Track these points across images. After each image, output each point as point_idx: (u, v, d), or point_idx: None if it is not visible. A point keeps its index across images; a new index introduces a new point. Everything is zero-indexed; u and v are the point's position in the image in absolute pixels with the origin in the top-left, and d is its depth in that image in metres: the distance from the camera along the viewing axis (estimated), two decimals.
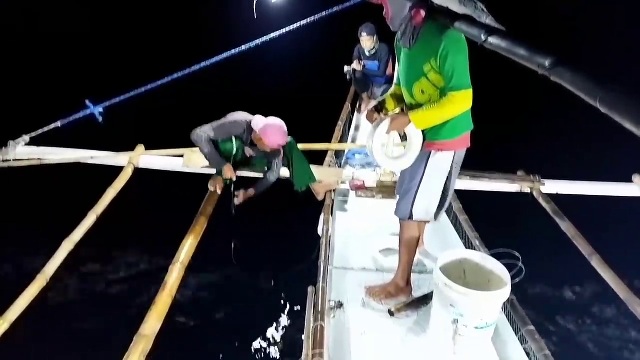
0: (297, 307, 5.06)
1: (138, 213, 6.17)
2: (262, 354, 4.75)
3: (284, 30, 4.08)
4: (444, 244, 3.63)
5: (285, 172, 4.30)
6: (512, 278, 2.46)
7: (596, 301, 5.35)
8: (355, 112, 6.84)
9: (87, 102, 4.18)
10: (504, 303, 2.69)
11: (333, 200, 4.21)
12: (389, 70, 6.35)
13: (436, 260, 2.55)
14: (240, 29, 6.49)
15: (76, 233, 3.43)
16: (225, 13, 15.06)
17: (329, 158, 4.97)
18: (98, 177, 4.32)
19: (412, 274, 3.00)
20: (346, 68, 6.63)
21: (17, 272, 5.57)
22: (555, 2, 16.26)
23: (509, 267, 2.53)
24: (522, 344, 2.66)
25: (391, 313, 2.81)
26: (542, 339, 2.53)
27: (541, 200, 4.25)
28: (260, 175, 4.32)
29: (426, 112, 2.47)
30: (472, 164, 4.34)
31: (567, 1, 15.99)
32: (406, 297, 2.94)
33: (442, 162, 2.68)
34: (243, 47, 4.13)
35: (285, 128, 3.84)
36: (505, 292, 2.32)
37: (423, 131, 2.60)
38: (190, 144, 4.52)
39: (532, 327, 2.63)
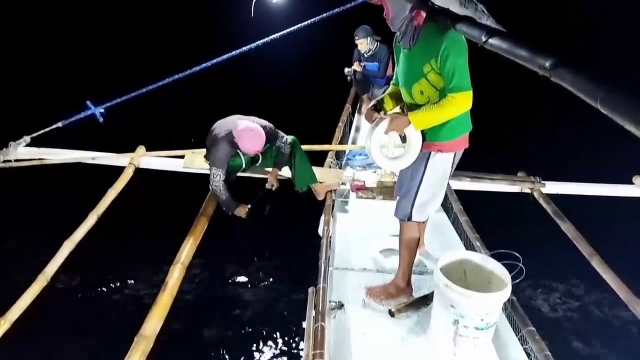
0: (298, 308, 5.06)
1: (139, 214, 6.18)
2: (263, 353, 4.75)
3: (284, 32, 4.09)
4: (444, 244, 3.63)
5: (286, 172, 4.30)
6: (513, 279, 2.46)
7: (596, 302, 5.35)
8: (356, 114, 6.84)
9: (88, 102, 4.19)
10: (505, 304, 2.69)
11: (334, 201, 4.22)
12: (389, 71, 6.35)
13: (436, 261, 2.54)
14: (242, 30, 6.50)
15: (77, 233, 3.44)
16: (227, 14, 15.06)
17: (329, 159, 4.97)
18: (99, 178, 4.33)
19: (412, 275, 3.00)
20: (346, 69, 6.64)
21: (18, 272, 5.57)
22: (555, 2, 16.27)
23: (510, 268, 2.53)
24: (522, 345, 2.65)
25: (391, 314, 2.81)
26: (542, 339, 2.53)
27: (541, 201, 4.25)
28: (261, 176, 4.34)
29: (426, 113, 2.47)
30: (472, 164, 4.36)
31: (567, 1, 16.01)
32: (406, 298, 2.94)
33: (442, 163, 2.69)
34: (244, 48, 4.14)
35: (261, 133, 3.70)
36: (505, 293, 2.32)
37: (422, 132, 2.60)
38: (190, 146, 4.54)
39: (532, 328, 2.63)
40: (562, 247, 3.88)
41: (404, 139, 2.67)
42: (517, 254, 2.74)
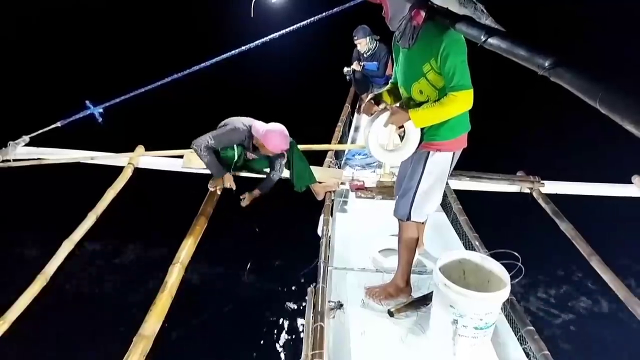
0: (297, 307, 5.06)
1: (138, 213, 6.17)
2: (262, 353, 4.75)
3: (283, 31, 4.09)
4: (443, 244, 3.63)
5: (285, 173, 4.31)
6: (512, 278, 2.46)
7: (595, 301, 5.35)
8: (355, 113, 6.84)
9: (87, 102, 4.19)
10: (504, 303, 2.70)
11: (333, 201, 4.22)
12: (388, 71, 6.35)
13: (436, 260, 2.55)
14: (240, 30, 6.50)
15: (76, 233, 3.44)
16: (226, 13, 15.06)
17: (328, 159, 4.97)
18: (98, 178, 4.32)
19: (411, 275, 3.00)
20: (345, 69, 6.64)
21: (17, 272, 5.56)
22: (556, 2, 16.28)
23: (509, 268, 2.53)
24: (521, 345, 2.66)
25: (391, 313, 2.81)
26: (541, 339, 2.53)
27: (541, 201, 4.26)
28: (260, 176, 4.34)
29: (427, 111, 2.47)
30: (472, 164, 4.37)
31: (567, 2, 16.02)
32: (406, 298, 2.94)
33: (441, 162, 2.69)
34: (243, 48, 4.14)
35: (286, 132, 3.85)
36: (504, 293, 2.33)
37: (421, 131, 2.61)
38: (189, 145, 4.53)
39: (531, 328, 2.63)
40: (561, 247, 3.88)
41: (402, 138, 2.67)
42: (516, 254, 2.74)
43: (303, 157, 4.22)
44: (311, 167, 4.29)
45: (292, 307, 5.13)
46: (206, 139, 3.82)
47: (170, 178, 4.86)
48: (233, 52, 4.15)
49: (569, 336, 4.98)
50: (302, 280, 3.25)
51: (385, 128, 2.62)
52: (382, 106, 2.75)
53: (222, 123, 3.99)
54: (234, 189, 4.06)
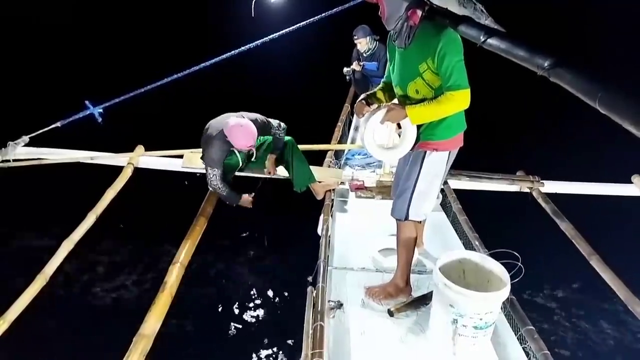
0: (297, 307, 5.07)
1: (138, 213, 6.18)
2: (262, 352, 4.75)
3: (283, 31, 4.09)
4: (443, 244, 3.63)
5: (284, 172, 4.31)
6: (512, 278, 2.46)
7: (595, 301, 5.35)
8: (355, 113, 6.84)
9: (87, 102, 4.19)
10: (503, 303, 2.70)
11: (333, 201, 4.22)
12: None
13: (435, 260, 2.55)
14: (240, 30, 6.50)
15: (76, 233, 3.43)
16: (226, 13, 15.06)
17: (328, 158, 4.97)
18: (98, 178, 4.32)
19: (411, 274, 3.00)
20: (345, 69, 6.64)
21: (17, 272, 5.56)
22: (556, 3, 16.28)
23: (508, 267, 2.53)
24: (521, 344, 2.66)
25: (390, 313, 2.81)
26: (540, 338, 2.53)
27: (540, 201, 4.25)
28: (259, 175, 4.35)
29: (424, 109, 2.48)
30: (472, 164, 4.37)
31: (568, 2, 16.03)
32: (405, 297, 2.94)
33: (437, 162, 2.70)
34: (243, 48, 4.14)
35: (251, 128, 3.70)
36: (504, 292, 2.33)
37: (418, 131, 2.62)
38: (189, 145, 4.53)
39: (531, 327, 2.63)
40: (561, 247, 3.88)
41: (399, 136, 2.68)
42: (516, 254, 2.74)
43: (303, 157, 4.22)
44: (311, 167, 4.29)
45: (292, 307, 5.14)
46: (213, 175, 3.77)
47: (170, 178, 4.86)
48: (233, 52, 4.15)
49: (569, 335, 4.99)
50: (302, 280, 3.24)
51: (382, 125, 2.63)
52: (374, 106, 2.76)
53: (205, 130, 3.88)
54: (255, 199, 4.05)
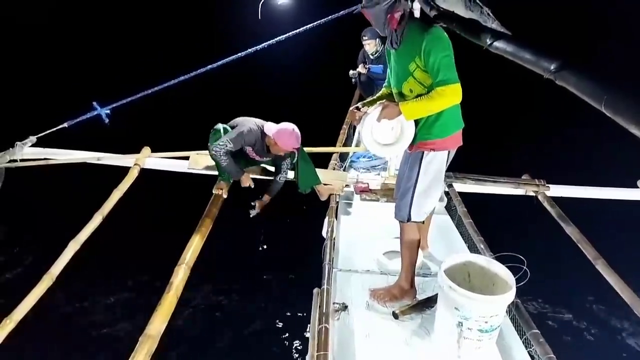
0: (302, 309, 5.07)
1: (144, 214, 6.19)
2: (267, 354, 4.76)
3: (290, 34, 4.10)
4: (448, 247, 3.63)
5: (290, 174, 4.31)
6: (517, 282, 2.46)
7: (601, 305, 5.33)
8: None
9: (94, 103, 4.21)
10: (509, 306, 2.69)
11: (338, 203, 4.22)
12: None
13: (440, 263, 2.55)
14: (247, 32, 6.52)
15: (82, 233, 3.45)
16: (232, 16, 15.11)
17: (333, 161, 4.98)
18: (104, 179, 4.34)
19: (416, 277, 3.01)
20: (351, 72, 6.67)
21: (24, 272, 5.60)
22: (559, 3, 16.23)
23: (514, 271, 2.53)
24: (526, 348, 2.65)
25: (395, 315, 2.81)
26: (546, 342, 2.52)
27: (546, 204, 4.24)
28: (259, 177, 4.35)
29: (415, 104, 2.56)
30: (477, 167, 4.37)
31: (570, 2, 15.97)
32: (410, 300, 2.94)
33: (436, 162, 2.74)
34: (250, 50, 4.16)
35: (297, 131, 3.85)
36: (509, 296, 2.32)
37: (415, 130, 2.67)
38: (195, 147, 4.55)
39: (536, 331, 2.62)
40: (566, 250, 3.87)
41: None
42: (522, 257, 2.74)
43: (308, 159, 4.23)
44: (316, 169, 4.30)
45: (297, 309, 5.14)
46: (225, 144, 3.77)
47: (176, 179, 4.87)
48: (240, 54, 4.16)
49: (575, 339, 4.97)
50: (307, 282, 3.25)
51: (380, 123, 2.69)
52: (364, 109, 2.82)
53: (233, 122, 3.98)
54: (252, 187, 4.07)
